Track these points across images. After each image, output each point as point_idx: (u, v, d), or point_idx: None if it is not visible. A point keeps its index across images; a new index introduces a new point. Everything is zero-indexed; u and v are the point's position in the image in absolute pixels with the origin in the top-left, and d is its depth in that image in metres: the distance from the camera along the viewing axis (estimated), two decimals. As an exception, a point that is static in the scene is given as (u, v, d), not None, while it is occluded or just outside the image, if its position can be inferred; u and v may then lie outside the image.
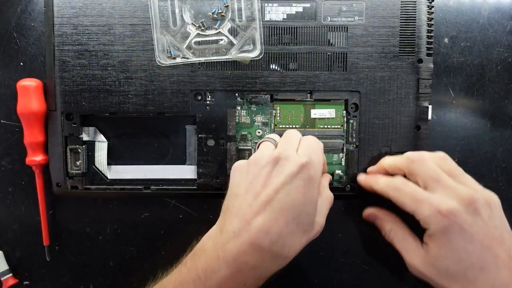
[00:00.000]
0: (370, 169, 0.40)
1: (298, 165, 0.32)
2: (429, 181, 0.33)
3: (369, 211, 0.40)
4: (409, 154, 0.36)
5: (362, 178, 0.39)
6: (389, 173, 0.38)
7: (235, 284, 0.31)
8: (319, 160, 0.34)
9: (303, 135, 0.37)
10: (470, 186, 0.33)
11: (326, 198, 0.36)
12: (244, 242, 0.30)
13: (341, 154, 0.41)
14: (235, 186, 0.34)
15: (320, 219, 0.34)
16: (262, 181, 0.32)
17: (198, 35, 0.39)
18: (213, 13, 0.39)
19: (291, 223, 0.31)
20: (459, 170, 0.35)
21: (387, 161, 0.38)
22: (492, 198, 0.33)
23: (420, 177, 0.34)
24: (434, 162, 0.34)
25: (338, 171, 0.41)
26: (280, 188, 0.31)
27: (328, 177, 0.39)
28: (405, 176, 0.36)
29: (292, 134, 0.36)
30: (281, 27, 0.39)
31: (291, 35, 0.40)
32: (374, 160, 0.40)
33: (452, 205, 0.31)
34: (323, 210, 0.35)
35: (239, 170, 0.34)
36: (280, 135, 0.38)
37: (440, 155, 0.35)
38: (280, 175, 0.32)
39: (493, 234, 0.31)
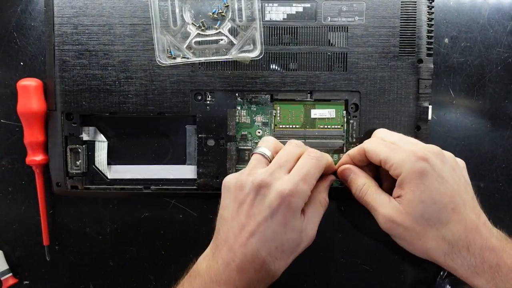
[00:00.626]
0: (349, 153, 0.39)
1: (279, 196, 0.32)
2: (397, 140, 0.36)
3: (345, 166, 0.38)
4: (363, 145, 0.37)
5: (339, 170, 0.38)
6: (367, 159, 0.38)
7: None
8: (308, 187, 0.33)
9: (304, 136, 0.37)
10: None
11: (319, 205, 0.36)
12: (232, 269, 0.32)
13: (341, 154, 0.41)
14: (224, 207, 0.35)
15: (311, 231, 0.34)
16: (246, 210, 0.33)
17: (198, 35, 0.39)
18: (213, 13, 0.39)
19: (275, 252, 0.33)
20: (408, 137, 0.37)
21: (349, 153, 0.38)
22: (457, 159, 0.36)
23: (387, 138, 0.37)
24: (381, 138, 0.37)
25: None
26: (262, 222, 0.32)
27: (329, 181, 0.38)
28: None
29: (289, 151, 0.35)
30: (281, 27, 0.39)
31: (291, 35, 0.40)
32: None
33: (425, 152, 0.33)
34: (315, 220, 0.35)
35: (227, 190, 0.35)
36: (282, 142, 0.37)
37: (379, 130, 0.39)
38: (261, 206, 0.33)
39: (460, 181, 0.34)
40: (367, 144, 0.36)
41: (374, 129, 0.40)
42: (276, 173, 0.34)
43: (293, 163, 0.35)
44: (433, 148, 0.34)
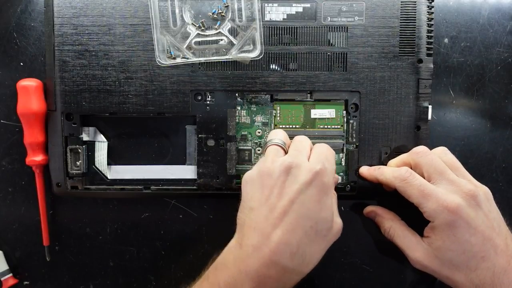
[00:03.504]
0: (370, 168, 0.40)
1: (311, 173, 0.32)
2: (433, 174, 0.35)
3: (370, 209, 0.41)
4: (414, 148, 0.37)
5: (365, 170, 0.39)
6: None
7: None
8: (332, 167, 0.34)
9: (303, 135, 0.37)
10: (470, 181, 0.35)
11: (335, 197, 0.36)
12: (265, 256, 0.30)
13: (341, 154, 0.41)
14: (249, 199, 0.33)
15: (338, 219, 0.35)
16: (276, 192, 0.32)
17: (198, 35, 0.39)
18: (213, 13, 0.39)
19: (309, 231, 0.31)
20: (458, 164, 0.36)
21: (394, 161, 0.39)
22: (488, 191, 0.35)
23: (424, 169, 0.35)
24: (437, 155, 0.36)
25: (338, 171, 0.41)
26: (295, 198, 0.32)
27: (336, 178, 0.39)
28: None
29: (302, 141, 0.36)
30: (281, 27, 0.39)
31: (291, 35, 0.40)
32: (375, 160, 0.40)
33: (458, 201, 0.33)
34: (336, 210, 0.35)
35: (250, 182, 0.34)
36: (289, 136, 0.38)
37: (441, 149, 0.37)
38: (294, 184, 0.32)
39: (492, 225, 0.34)
40: (398, 184, 0.35)
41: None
42: (300, 157, 0.34)
43: (309, 150, 0.35)
44: (467, 192, 0.33)
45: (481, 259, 0.33)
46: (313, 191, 0.32)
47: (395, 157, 0.39)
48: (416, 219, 0.36)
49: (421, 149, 0.37)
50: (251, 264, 0.31)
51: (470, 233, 0.33)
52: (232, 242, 0.33)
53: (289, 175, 0.33)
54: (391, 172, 0.36)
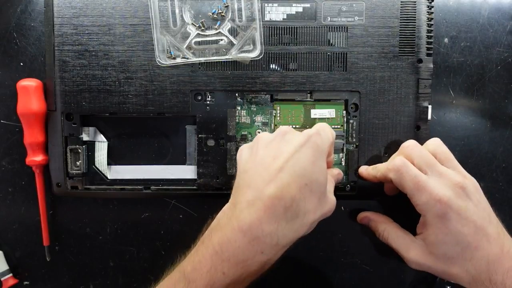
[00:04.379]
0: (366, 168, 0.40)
1: (306, 134, 0.33)
2: (423, 166, 0.35)
3: (363, 215, 0.41)
4: (403, 143, 0.37)
5: (363, 169, 0.40)
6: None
7: (253, 253, 0.31)
8: (327, 136, 0.34)
9: None
10: (459, 172, 0.35)
11: (331, 180, 0.36)
12: (258, 209, 0.30)
13: (341, 154, 0.41)
14: (244, 163, 0.34)
15: (331, 195, 0.34)
16: (272, 153, 0.33)
17: (198, 35, 0.39)
18: (213, 13, 0.39)
19: (304, 189, 0.31)
20: (451, 155, 0.36)
21: (384, 164, 0.38)
22: (476, 183, 0.35)
23: (415, 162, 0.36)
24: (428, 147, 0.36)
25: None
26: (290, 158, 0.32)
27: (338, 172, 0.39)
28: None
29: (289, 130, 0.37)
30: (281, 27, 0.39)
31: (291, 35, 0.40)
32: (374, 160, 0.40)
33: (449, 194, 0.33)
34: (331, 187, 0.35)
35: (246, 149, 0.35)
36: None
37: (433, 140, 0.37)
38: (288, 145, 0.33)
39: (483, 215, 0.34)
40: (392, 175, 0.35)
41: (400, 142, 0.38)
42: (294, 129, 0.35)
43: None
44: (457, 184, 0.34)
45: (474, 248, 0.33)
46: (307, 151, 0.32)
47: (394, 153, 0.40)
48: (410, 221, 0.37)
49: (410, 143, 0.37)
50: (243, 219, 0.30)
51: (462, 224, 0.33)
52: (227, 205, 0.34)
53: (284, 139, 0.33)
54: (386, 164, 0.37)
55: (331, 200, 0.34)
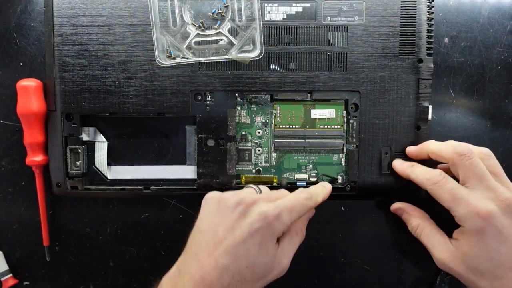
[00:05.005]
0: (409, 149, 0.39)
1: (261, 217, 0.32)
2: (471, 178, 0.34)
3: (397, 205, 0.40)
4: (456, 145, 0.35)
5: (398, 163, 0.39)
6: (428, 157, 0.37)
7: None
8: (288, 218, 0.33)
9: (304, 136, 0.37)
10: (509, 188, 0.34)
11: (295, 236, 0.35)
12: (197, 284, 0.31)
13: (341, 154, 0.41)
14: (203, 219, 0.34)
15: (284, 260, 0.33)
16: (224, 225, 0.32)
17: (198, 35, 0.39)
18: (213, 13, 0.39)
19: (244, 271, 0.31)
20: (500, 170, 0.35)
21: (432, 146, 0.37)
22: None
23: (462, 171, 0.34)
24: (480, 158, 0.35)
25: (338, 172, 0.41)
26: (239, 239, 0.31)
27: (308, 214, 0.37)
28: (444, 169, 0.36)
29: (283, 191, 0.36)
30: (281, 27, 0.39)
31: (291, 35, 0.39)
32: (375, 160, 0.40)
33: (491, 208, 0.32)
34: (290, 250, 0.34)
35: (209, 202, 0.34)
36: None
37: (485, 152, 0.36)
38: (241, 224, 0.32)
39: None
40: (429, 186, 0.35)
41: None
42: (262, 198, 0.34)
43: (281, 196, 0.35)
44: (504, 200, 0.33)
45: (508, 269, 0.32)
46: (257, 237, 0.31)
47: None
48: (447, 220, 0.36)
49: (465, 150, 0.34)
50: None
51: (500, 242, 0.32)
52: (173, 269, 0.33)
53: (241, 212, 0.32)
54: (424, 173, 0.36)
55: (280, 268, 0.33)
